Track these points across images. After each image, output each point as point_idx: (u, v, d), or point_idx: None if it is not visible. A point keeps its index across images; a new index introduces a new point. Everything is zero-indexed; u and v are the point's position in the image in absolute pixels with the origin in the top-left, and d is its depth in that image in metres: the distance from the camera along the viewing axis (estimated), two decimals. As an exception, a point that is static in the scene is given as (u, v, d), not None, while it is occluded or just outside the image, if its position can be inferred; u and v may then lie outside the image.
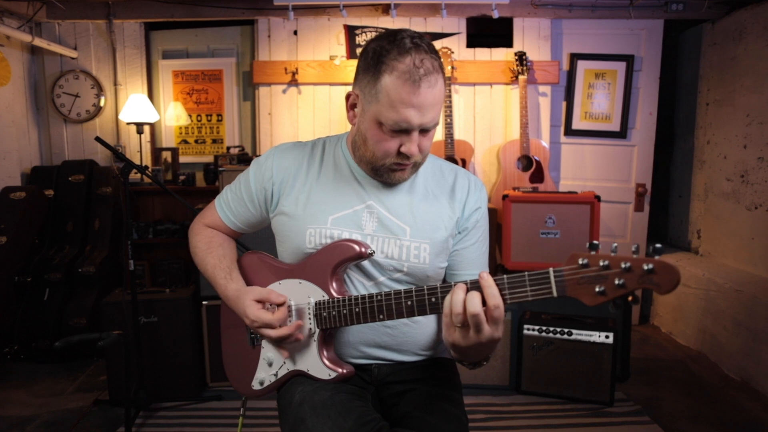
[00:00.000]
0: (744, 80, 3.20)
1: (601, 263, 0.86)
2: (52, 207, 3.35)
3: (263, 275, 1.27)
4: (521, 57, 3.41)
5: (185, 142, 3.80)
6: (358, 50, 3.54)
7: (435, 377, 1.27)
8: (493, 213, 3.14)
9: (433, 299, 1.04)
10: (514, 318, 2.64)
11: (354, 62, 3.47)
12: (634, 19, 3.51)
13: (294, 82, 3.56)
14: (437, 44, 3.44)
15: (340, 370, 1.16)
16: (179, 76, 3.76)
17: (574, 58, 3.61)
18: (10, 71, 3.32)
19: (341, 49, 3.59)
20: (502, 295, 0.94)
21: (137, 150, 3.63)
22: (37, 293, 3.09)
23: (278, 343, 1.18)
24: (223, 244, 1.33)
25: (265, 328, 1.15)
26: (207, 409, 2.54)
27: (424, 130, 1.12)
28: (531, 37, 3.59)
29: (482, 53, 3.61)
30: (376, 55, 1.07)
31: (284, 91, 3.61)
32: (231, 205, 1.32)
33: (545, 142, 3.49)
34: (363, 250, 1.14)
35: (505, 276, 0.95)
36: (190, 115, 3.79)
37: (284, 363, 1.22)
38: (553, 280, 0.90)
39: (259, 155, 1.32)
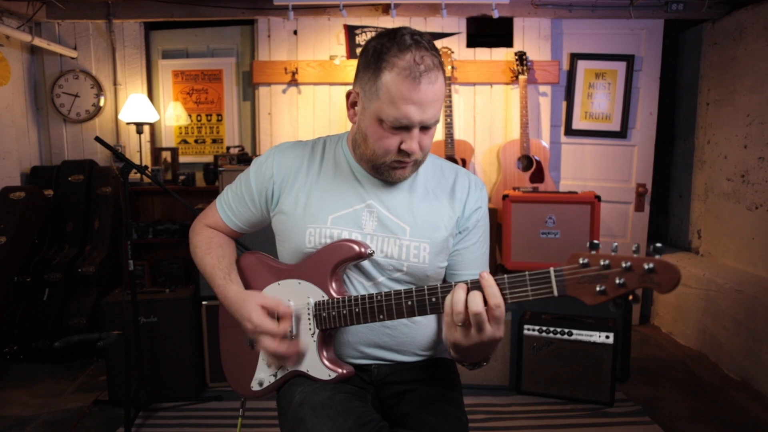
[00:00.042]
0: (744, 80, 3.20)
1: (602, 263, 0.86)
2: (52, 207, 3.35)
3: (262, 276, 1.27)
4: (521, 57, 3.41)
5: (185, 142, 3.80)
6: (358, 50, 3.54)
7: (435, 377, 1.26)
8: (493, 213, 3.14)
9: (434, 299, 1.03)
10: (514, 318, 2.64)
11: (354, 62, 3.47)
12: (635, 18, 3.51)
13: (294, 82, 3.56)
14: (437, 44, 3.43)
15: (339, 370, 1.16)
16: (179, 76, 3.75)
17: (575, 57, 3.61)
18: (9, 71, 3.32)
19: (341, 49, 3.58)
20: (503, 295, 0.94)
21: (137, 150, 3.63)
22: (36, 293, 3.08)
23: (273, 354, 1.16)
24: (222, 244, 1.33)
25: (265, 337, 1.14)
26: (207, 409, 2.54)
27: (425, 128, 1.12)
28: (531, 37, 3.58)
29: (482, 53, 3.61)
30: (376, 53, 1.08)
31: (284, 91, 3.61)
32: (232, 204, 1.32)
33: (545, 142, 3.49)
34: (363, 250, 1.13)
35: (505, 276, 0.95)
36: (189, 115, 3.79)
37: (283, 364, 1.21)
38: (553, 279, 0.90)
39: (259, 155, 1.32)
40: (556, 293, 0.90)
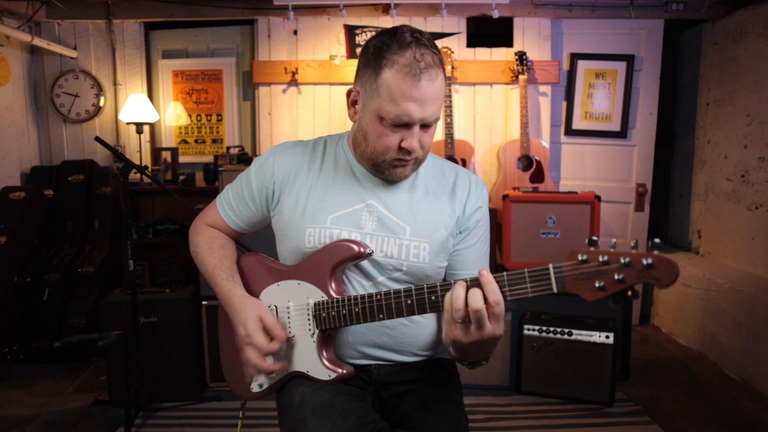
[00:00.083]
0: (744, 80, 3.20)
1: (601, 259, 0.86)
2: (52, 207, 3.35)
3: (261, 277, 1.26)
4: (521, 57, 3.41)
5: (185, 142, 3.80)
6: (358, 50, 3.54)
7: (435, 378, 1.26)
8: (493, 213, 3.14)
9: (433, 297, 1.03)
10: (514, 318, 2.64)
11: (354, 62, 3.47)
12: (635, 18, 3.51)
13: (294, 82, 3.56)
14: (437, 44, 3.44)
15: (339, 370, 1.16)
16: (179, 76, 3.75)
17: (575, 57, 3.61)
18: (9, 71, 3.31)
19: (341, 49, 3.58)
20: (503, 292, 0.94)
21: (137, 150, 3.63)
22: (36, 293, 3.08)
23: (255, 367, 1.16)
24: (224, 245, 1.33)
25: (252, 349, 1.14)
26: (207, 409, 2.54)
27: (425, 126, 1.12)
28: (531, 37, 3.58)
29: (482, 53, 3.61)
30: (376, 51, 1.08)
31: (284, 91, 3.61)
32: (232, 204, 1.32)
33: (545, 142, 3.49)
34: (362, 250, 1.13)
35: (505, 273, 0.95)
36: (189, 115, 3.79)
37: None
38: (552, 276, 0.90)
39: (259, 155, 1.32)
40: (555, 290, 0.90)
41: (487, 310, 0.93)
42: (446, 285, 1.01)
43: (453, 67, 3.46)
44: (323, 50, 3.60)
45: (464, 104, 3.61)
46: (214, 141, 3.81)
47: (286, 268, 1.24)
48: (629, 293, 0.85)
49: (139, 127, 3.45)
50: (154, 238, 3.46)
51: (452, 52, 3.42)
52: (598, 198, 2.89)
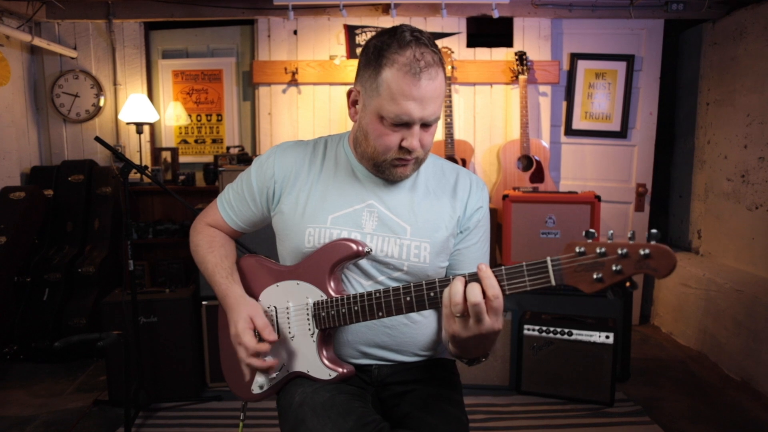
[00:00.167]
0: (744, 80, 3.20)
1: (598, 250, 0.86)
2: (52, 207, 3.35)
3: (261, 278, 1.26)
4: (521, 57, 3.41)
5: (185, 142, 3.80)
6: (358, 50, 3.54)
7: (435, 378, 1.26)
8: (493, 213, 3.14)
9: (432, 294, 1.03)
10: (514, 318, 2.64)
11: (354, 62, 3.47)
12: (635, 18, 3.51)
13: (294, 82, 3.56)
14: (437, 44, 3.44)
15: (340, 369, 1.15)
16: (179, 76, 3.75)
17: (575, 57, 3.61)
18: (9, 71, 3.31)
19: (341, 49, 3.58)
20: (501, 286, 0.94)
21: (137, 150, 3.63)
22: (36, 293, 3.08)
23: (246, 366, 1.17)
24: (225, 244, 1.33)
25: (241, 348, 1.16)
26: (207, 409, 2.54)
27: (426, 125, 1.12)
28: (531, 37, 3.58)
29: (482, 53, 3.61)
30: (376, 50, 1.08)
31: (284, 91, 3.61)
32: (233, 203, 1.32)
33: (545, 142, 3.49)
34: (360, 248, 1.13)
35: (503, 267, 0.95)
36: (189, 115, 3.79)
37: (283, 365, 1.21)
38: (550, 268, 0.90)
39: (259, 155, 1.32)
40: (553, 282, 0.90)
41: (485, 304, 0.93)
42: (445, 281, 1.01)
43: (453, 67, 3.46)
44: (323, 50, 3.60)
45: (464, 104, 3.61)
46: (214, 141, 3.81)
47: (285, 268, 1.24)
48: (627, 284, 0.85)
49: (139, 127, 3.45)
50: (154, 238, 3.46)
51: (452, 52, 3.42)
52: (598, 198, 2.89)
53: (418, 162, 1.18)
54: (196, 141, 3.81)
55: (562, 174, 3.71)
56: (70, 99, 3.63)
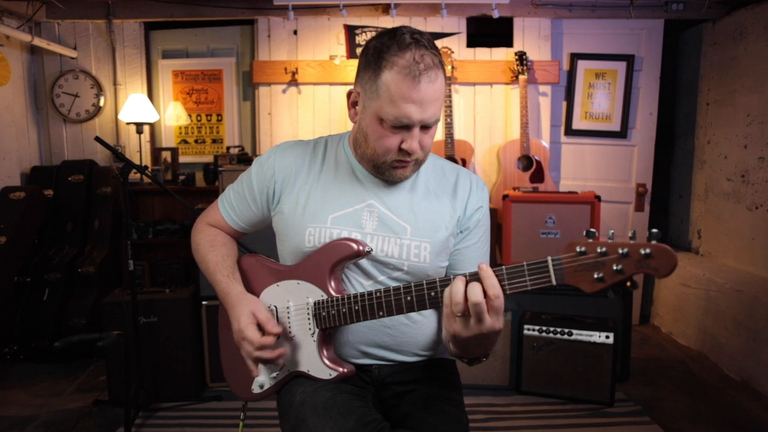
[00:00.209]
0: (744, 80, 3.20)
1: (599, 250, 0.86)
2: (52, 207, 3.35)
3: (262, 278, 1.27)
4: (521, 57, 3.41)
5: (185, 142, 3.80)
6: (358, 50, 3.54)
7: (435, 378, 1.26)
8: (493, 213, 3.14)
9: (433, 293, 1.03)
10: (514, 318, 2.64)
11: (354, 62, 3.47)
12: (635, 18, 3.51)
13: (294, 82, 3.56)
14: (437, 44, 3.43)
15: (340, 369, 1.16)
16: (179, 76, 3.75)
17: (575, 57, 3.61)
18: (9, 71, 3.31)
19: (341, 49, 3.58)
20: (502, 286, 0.94)
21: (137, 150, 3.63)
22: (36, 293, 3.08)
23: (254, 361, 1.17)
24: (226, 243, 1.34)
25: (246, 343, 1.15)
26: (207, 409, 2.54)
27: (425, 127, 1.12)
28: (531, 37, 3.58)
29: (482, 53, 3.61)
30: (376, 52, 1.08)
31: (284, 91, 3.61)
32: (233, 204, 1.32)
33: (545, 142, 3.49)
34: (360, 248, 1.13)
35: (503, 267, 0.95)
36: (189, 115, 3.79)
37: (284, 364, 1.21)
38: (551, 268, 0.90)
39: (259, 155, 1.32)
40: (554, 282, 0.90)
41: (486, 303, 0.93)
42: (445, 280, 1.01)
43: (453, 67, 3.46)
44: (323, 50, 3.60)
45: (464, 104, 3.61)
46: (214, 141, 3.81)
47: (286, 268, 1.24)
48: (628, 284, 0.85)
49: (139, 127, 3.45)
50: (154, 238, 3.46)
51: (452, 52, 3.42)
52: (598, 198, 2.89)
53: (418, 163, 1.18)
54: (196, 141, 3.81)
55: (562, 174, 3.71)
56: (70, 99, 3.63)
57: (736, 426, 2.41)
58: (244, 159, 3.32)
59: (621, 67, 3.57)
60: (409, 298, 1.05)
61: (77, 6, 3.54)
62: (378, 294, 1.08)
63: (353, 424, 1.04)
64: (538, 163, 3.39)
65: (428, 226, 1.20)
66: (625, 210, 3.69)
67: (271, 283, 1.24)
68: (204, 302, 2.65)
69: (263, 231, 1.39)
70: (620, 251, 0.84)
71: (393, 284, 1.19)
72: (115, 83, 3.66)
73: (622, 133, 3.63)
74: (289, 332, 1.20)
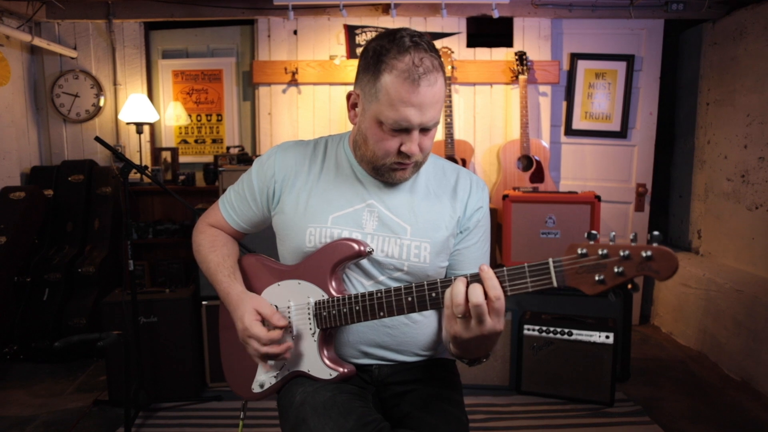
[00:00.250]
0: (744, 80, 3.20)
1: (600, 252, 0.86)
2: (52, 207, 3.35)
3: (262, 277, 1.27)
4: (521, 57, 3.41)
5: (185, 142, 3.80)
6: (358, 50, 3.54)
7: (435, 378, 1.26)
8: (493, 213, 3.14)
9: (434, 294, 1.03)
10: (514, 318, 2.64)
11: (354, 62, 3.47)
12: (635, 18, 3.51)
13: (294, 82, 3.56)
14: (437, 44, 3.44)
15: (341, 369, 1.16)
16: (179, 76, 3.75)
17: (575, 57, 3.61)
18: (9, 71, 3.31)
19: (341, 49, 3.58)
20: (503, 287, 0.94)
21: (137, 150, 3.63)
22: (36, 293, 3.08)
23: (262, 358, 1.17)
24: (227, 243, 1.34)
25: (253, 341, 1.15)
26: (207, 409, 2.54)
27: (425, 129, 1.12)
28: (531, 37, 3.59)
29: (482, 53, 3.61)
30: (375, 54, 1.08)
31: (284, 91, 3.61)
32: (234, 204, 1.32)
33: (545, 142, 3.49)
34: (362, 248, 1.13)
35: (505, 268, 0.95)
36: (189, 115, 3.79)
37: (284, 364, 1.21)
38: (552, 270, 0.90)
39: (259, 155, 1.32)
40: (555, 284, 0.90)
41: (487, 305, 0.93)
42: (446, 281, 1.01)
43: (453, 67, 3.46)
44: (323, 50, 3.60)
45: (464, 104, 3.61)
46: (214, 141, 3.81)
47: (287, 267, 1.24)
48: (629, 286, 0.85)
49: (139, 127, 3.45)
50: (154, 238, 3.46)
51: (452, 52, 3.42)
52: (598, 198, 2.89)
53: (418, 165, 1.18)
54: (196, 141, 3.81)
55: (562, 174, 3.71)
56: (70, 99, 3.63)
57: (736, 426, 2.41)
58: (244, 159, 3.32)
59: (621, 67, 3.57)
60: (410, 298, 1.05)
61: (77, 6, 3.54)
62: (379, 294, 1.08)
63: (353, 424, 1.04)
64: (538, 163, 3.39)
65: (428, 227, 1.20)
66: (625, 210, 3.70)
67: (272, 283, 1.24)
68: (204, 302, 2.65)
69: (263, 231, 1.39)
70: (621, 254, 0.84)
71: (393, 284, 1.19)
72: (115, 83, 3.66)
73: (622, 133, 3.63)
74: (290, 334, 1.20)
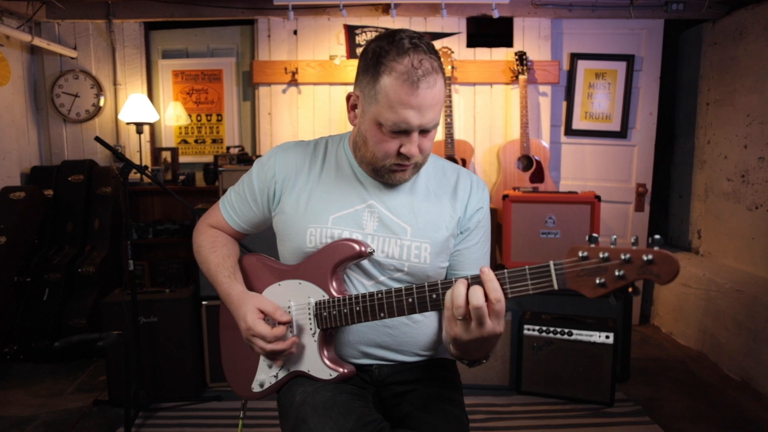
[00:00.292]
0: (744, 80, 3.20)
1: (601, 255, 0.86)
2: (52, 207, 3.35)
3: (263, 277, 1.27)
4: (521, 57, 3.41)
5: (185, 142, 3.80)
6: (358, 50, 3.54)
7: (435, 378, 1.26)
8: (493, 213, 3.14)
9: (434, 295, 1.03)
10: (514, 318, 2.64)
11: (354, 62, 3.47)
12: (635, 18, 3.51)
13: (294, 82, 3.56)
14: (437, 44, 3.44)
15: (341, 369, 1.16)
16: (179, 76, 3.75)
17: (575, 57, 3.61)
18: (9, 71, 3.31)
19: (341, 49, 3.58)
20: (504, 289, 0.94)
21: (137, 150, 3.63)
22: (36, 293, 3.08)
23: (269, 355, 1.17)
24: (227, 244, 1.34)
25: (258, 339, 1.15)
26: (207, 409, 2.54)
27: (424, 131, 1.12)
28: (531, 37, 3.58)
29: (482, 53, 3.61)
30: (375, 56, 1.08)
31: (284, 91, 3.61)
32: (234, 205, 1.32)
33: (545, 142, 3.49)
34: (363, 249, 1.13)
35: (505, 270, 0.95)
36: (189, 115, 3.79)
37: (284, 364, 1.21)
38: (553, 273, 0.90)
39: (259, 155, 1.33)
40: (556, 286, 0.90)
41: (488, 307, 0.93)
42: (447, 283, 1.01)
43: (453, 67, 3.45)
44: (323, 50, 3.60)
45: (464, 104, 3.61)
46: (214, 141, 3.81)
47: (287, 267, 1.24)
48: (630, 289, 0.85)
49: (139, 127, 3.45)
50: (154, 238, 3.46)
51: (452, 52, 3.42)
52: (598, 198, 2.89)
53: (417, 167, 1.18)
54: (196, 141, 3.81)
55: (562, 174, 3.71)
56: (70, 99, 3.63)
57: (736, 426, 2.41)
58: (244, 159, 3.32)
59: (621, 67, 3.57)
60: (410, 299, 1.06)
61: (77, 6, 3.54)
62: (379, 295, 1.08)
63: (353, 424, 1.04)
64: (538, 163, 3.39)
65: (428, 227, 1.20)
66: (625, 210, 3.70)
67: (273, 283, 1.24)
68: (204, 302, 2.65)
69: (264, 231, 1.39)
70: (623, 257, 0.83)
71: (394, 284, 1.19)
72: (115, 83, 3.66)
73: (622, 133, 3.63)
74: (291, 331, 1.20)
